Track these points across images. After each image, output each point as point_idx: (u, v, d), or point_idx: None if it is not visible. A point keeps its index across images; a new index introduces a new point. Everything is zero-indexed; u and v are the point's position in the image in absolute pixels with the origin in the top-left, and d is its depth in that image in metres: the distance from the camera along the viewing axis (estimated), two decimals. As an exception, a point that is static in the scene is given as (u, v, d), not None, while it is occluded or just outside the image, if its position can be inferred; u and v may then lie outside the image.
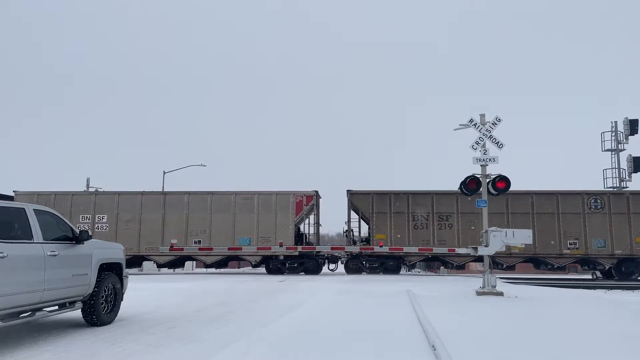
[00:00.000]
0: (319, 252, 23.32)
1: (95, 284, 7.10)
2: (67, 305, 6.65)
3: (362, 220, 24.17)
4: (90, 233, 7.13)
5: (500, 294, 11.79)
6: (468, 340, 6.19)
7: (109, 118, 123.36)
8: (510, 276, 25.23)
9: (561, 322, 8.15)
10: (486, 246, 12.25)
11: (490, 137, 12.72)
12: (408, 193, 22.67)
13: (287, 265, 22.62)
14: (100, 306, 7.15)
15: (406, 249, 21.79)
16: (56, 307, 6.52)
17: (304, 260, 22.74)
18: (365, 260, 22.58)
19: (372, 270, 22.43)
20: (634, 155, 31.63)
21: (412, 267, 25.51)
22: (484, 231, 12.56)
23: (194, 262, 28.37)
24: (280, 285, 15.19)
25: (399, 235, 22.20)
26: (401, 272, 23.82)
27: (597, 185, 31.98)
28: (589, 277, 30.02)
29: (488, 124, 12.78)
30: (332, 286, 14.58)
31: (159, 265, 23.56)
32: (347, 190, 23.31)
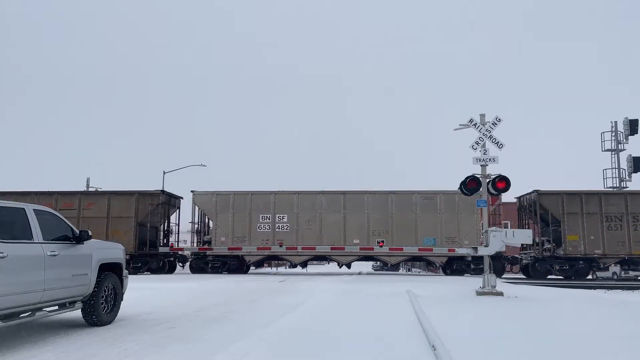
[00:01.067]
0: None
1: (95, 284, 7.09)
2: (67, 305, 6.64)
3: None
4: (90, 233, 7.11)
5: (500, 294, 11.78)
6: (468, 341, 6.19)
7: (108, 118, 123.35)
8: (511, 276, 25.24)
9: (561, 322, 8.15)
10: (486, 246, 12.25)
11: (490, 137, 12.71)
12: (599, 193, 22.71)
13: (471, 267, 22.46)
14: (100, 306, 7.15)
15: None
16: (56, 307, 6.51)
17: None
18: None
19: None
20: (634, 155, 31.65)
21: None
22: (484, 231, 12.55)
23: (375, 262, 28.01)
24: (280, 286, 15.19)
25: (592, 237, 21.96)
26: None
27: (597, 185, 31.99)
28: (589, 277, 30.02)
29: (488, 124, 12.77)
30: (333, 286, 14.58)
31: (341, 265, 23.71)
32: (535, 191, 23.10)
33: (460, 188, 13.06)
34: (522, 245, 23.29)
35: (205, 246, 23.28)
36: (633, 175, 31.53)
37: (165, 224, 25.39)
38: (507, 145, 12.69)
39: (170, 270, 24.24)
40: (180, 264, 24.88)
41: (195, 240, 24.72)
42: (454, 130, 13.22)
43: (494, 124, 12.75)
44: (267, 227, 22.74)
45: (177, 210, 25.79)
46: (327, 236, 22.49)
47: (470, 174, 12.76)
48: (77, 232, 6.90)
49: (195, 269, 23.08)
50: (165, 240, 25.31)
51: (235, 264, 22.77)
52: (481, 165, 12.70)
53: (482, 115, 12.88)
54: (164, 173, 32.73)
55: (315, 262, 25.10)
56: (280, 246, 22.31)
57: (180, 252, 24.60)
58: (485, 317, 8.37)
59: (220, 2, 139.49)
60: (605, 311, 9.75)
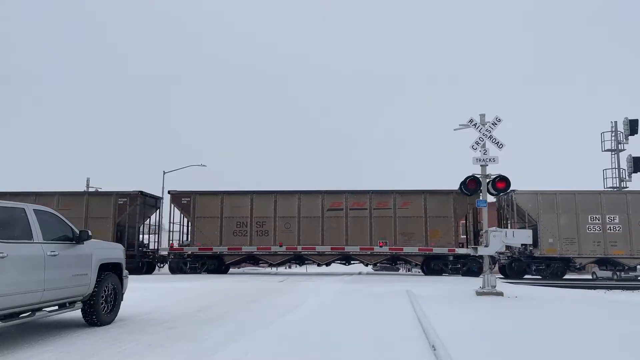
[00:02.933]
0: None
1: (95, 284, 7.09)
2: (67, 305, 6.64)
3: None
4: (90, 233, 7.11)
5: (500, 294, 11.79)
6: (468, 341, 6.19)
7: (108, 118, 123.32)
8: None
9: (562, 322, 8.16)
10: (486, 246, 12.26)
11: (490, 137, 12.72)
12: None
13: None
14: (100, 306, 7.15)
15: None
16: (56, 307, 6.51)
17: None
18: None
19: None
20: (633, 155, 31.66)
21: None
22: (484, 231, 12.56)
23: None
24: (280, 286, 15.20)
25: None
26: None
27: (597, 185, 32.00)
28: (589, 277, 30.03)
29: (488, 124, 12.78)
30: (333, 286, 14.59)
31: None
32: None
33: (460, 188, 13.07)
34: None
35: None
36: (633, 175, 31.55)
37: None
38: (506, 145, 12.72)
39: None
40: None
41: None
42: (454, 130, 13.24)
43: (494, 124, 12.76)
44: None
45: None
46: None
47: (470, 174, 12.77)
48: (77, 232, 6.91)
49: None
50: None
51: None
52: (481, 165, 12.72)
53: (482, 116, 12.89)
54: (164, 173, 32.75)
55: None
56: (280, 246, 22.26)
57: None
58: (485, 317, 8.38)
59: (220, 3, 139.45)
60: (605, 311, 9.75)
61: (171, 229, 24.39)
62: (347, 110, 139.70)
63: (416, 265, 23.63)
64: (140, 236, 25.01)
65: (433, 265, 22.13)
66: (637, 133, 32.10)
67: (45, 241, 6.16)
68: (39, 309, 6.15)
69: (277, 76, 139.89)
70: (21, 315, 5.85)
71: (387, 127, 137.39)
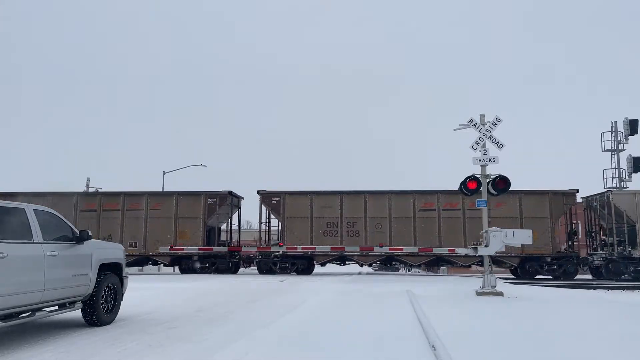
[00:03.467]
0: None
1: (95, 284, 7.09)
2: (67, 305, 6.64)
3: None
4: (90, 233, 7.13)
5: (500, 294, 11.79)
6: (468, 341, 6.19)
7: (107, 118, 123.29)
8: (510, 276, 25.19)
9: (561, 322, 8.15)
10: (486, 246, 12.26)
11: (490, 137, 12.71)
12: None
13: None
14: (100, 306, 7.15)
15: None
16: (56, 307, 6.52)
17: None
18: None
19: None
20: (634, 155, 31.63)
21: None
22: (484, 231, 12.56)
23: None
24: (280, 286, 15.19)
25: None
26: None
27: (598, 185, 32.01)
28: (589, 277, 29.99)
29: (488, 124, 12.78)
30: (333, 286, 14.59)
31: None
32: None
33: (460, 188, 13.06)
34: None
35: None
36: (633, 175, 31.52)
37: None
38: (506, 145, 12.71)
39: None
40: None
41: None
42: (454, 130, 13.24)
43: (494, 124, 12.76)
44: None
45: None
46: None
47: (471, 174, 12.77)
48: (77, 232, 6.91)
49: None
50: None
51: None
52: (481, 166, 12.71)
53: (482, 116, 12.89)
54: (164, 173, 32.75)
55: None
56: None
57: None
58: (485, 317, 8.38)
59: (220, 3, 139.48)
60: (605, 311, 9.75)
61: (261, 229, 24.16)
62: (346, 110, 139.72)
63: (510, 267, 23.20)
64: (228, 236, 24.74)
65: (528, 267, 22.01)
66: (637, 133, 32.06)
67: (45, 241, 6.16)
68: (39, 309, 6.15)
69: (277, 76, 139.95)
70: (21, 315, 5.85)
71: (387, 127, 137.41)
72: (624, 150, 32.39)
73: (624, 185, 31.58)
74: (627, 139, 32.20)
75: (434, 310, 8.71)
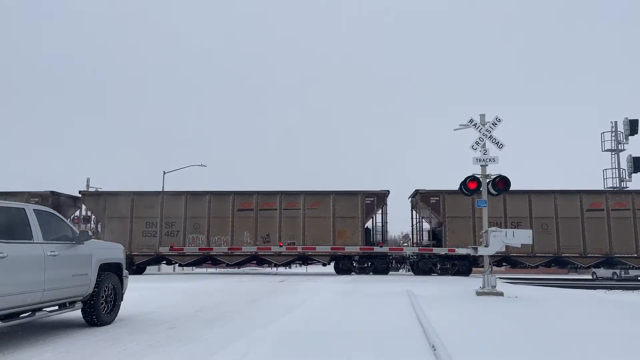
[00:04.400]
0: None
1: (95, 284, 7.09)
2: (67, 305, 6.65)
3: None
4: (90, 233, 7.13)
5: (501, 294, 11.79)
6: (468, 341, 6.19)
7: (107, 118, 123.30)
8: (511, 276, 25.21)
9: (561, 322, 8.15)
10: (486, 246, 12.26)
11: (490, 137, 12.71)
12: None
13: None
14: (100, 306, 7.15)
15: None
16: (56, 307, 6.52)
17: None
18: None
19: None
20: (634, 155, 31.69)
21: None
22: (484, 231, 12.56)
23: None
24: (280, 286, 15.20)
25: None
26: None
27: (598, 186, 32.01)
28: (589, 277, 30.01)
29: (488, 124, 12.77)
30: (332, 286, 14.59)
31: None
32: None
33: (460, 188, 13.06)
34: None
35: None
36: (633, 175, 31.57)
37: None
38: (506, 145, 12.71)
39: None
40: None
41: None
42: (454, 130, 13.23)
43: (494, 124, 12.76)
44: None
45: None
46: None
47: (471, 174, 12.76)
48: (77, 232, 6.91)
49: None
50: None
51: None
52: (481, 166, 12.71)
53: (482, 116, 12.88)
54: (164, 173, 32.74)
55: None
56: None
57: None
58: (485, 317, 8.37)
59: (220, 3, 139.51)
60: (605, 311, 9.76)
61: (413, 229, 24.43)
62: (346, 110, 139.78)
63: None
64: (379, 235, 24.33)
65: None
66: (637, 133, 32.13)
67: (45, 241, 6.16)
68: (39, 309, 6.15)
69: (276, 76, 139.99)
70: (21, 315, 5.85)
71: (387, 126, 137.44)
72: (624, 150, 32.44)
73: (624, 185, 31.64)
74: (627, 139, 32.26)
75: (434, 310, 8.71)
